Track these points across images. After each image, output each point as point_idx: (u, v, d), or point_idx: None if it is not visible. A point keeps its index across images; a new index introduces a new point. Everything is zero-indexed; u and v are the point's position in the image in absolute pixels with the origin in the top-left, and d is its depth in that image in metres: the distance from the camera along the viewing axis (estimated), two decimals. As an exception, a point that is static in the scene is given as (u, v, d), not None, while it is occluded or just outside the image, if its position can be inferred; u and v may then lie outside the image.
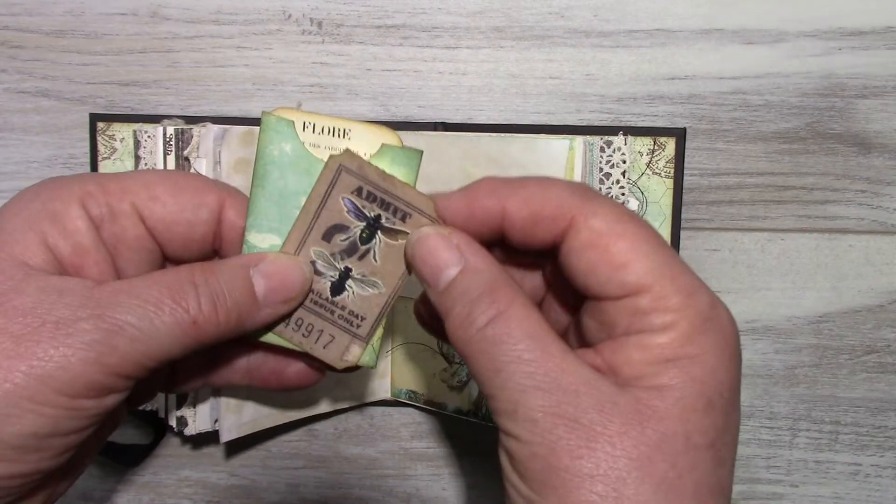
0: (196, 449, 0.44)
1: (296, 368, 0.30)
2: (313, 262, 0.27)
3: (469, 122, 0.41)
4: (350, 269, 0.27)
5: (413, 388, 0.42)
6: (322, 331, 0.27)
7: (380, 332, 0.28)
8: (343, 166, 0.26)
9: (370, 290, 0.27)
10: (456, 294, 0.24)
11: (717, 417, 0.22)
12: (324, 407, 0.41)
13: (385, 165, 0.27)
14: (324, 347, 0.28)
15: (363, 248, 0.27)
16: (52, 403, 0.22)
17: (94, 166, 0.40)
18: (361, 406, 0.43)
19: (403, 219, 0.26)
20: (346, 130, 0.27)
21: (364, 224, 0.27)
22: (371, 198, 0.26)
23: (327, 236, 0.27)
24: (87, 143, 0.41)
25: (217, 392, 0.38)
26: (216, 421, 0.39)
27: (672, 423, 0.21)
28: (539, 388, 0.21)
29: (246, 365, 0.30)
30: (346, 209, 0.27)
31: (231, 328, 0.25)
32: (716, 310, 0.22)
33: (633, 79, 0.41)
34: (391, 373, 0.42)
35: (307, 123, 0.26)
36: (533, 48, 0.41)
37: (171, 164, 0.37)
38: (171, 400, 0.40)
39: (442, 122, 0.40)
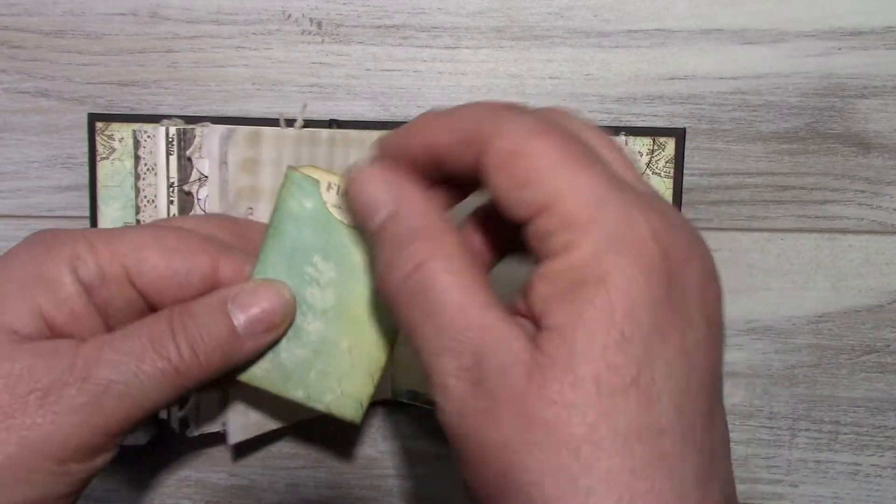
0: (196, 449, 0.44)
1: None
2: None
3: (469, 122, 0.41)
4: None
5: (414, 388, 0.42)
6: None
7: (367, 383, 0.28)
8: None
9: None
10: (384, 238, 0.22)
11: (636, 348, 0.18)
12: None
13: None
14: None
15: None
16: (43, 471, 0.22)
17: (92, 166, 0.40)
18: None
19: None
20: None
21: None
22: None
23: None
24: (86, 143, 0.41)
25: (224, 396, 0.38)
26: (223, 423, 0.39)
27: (577, 369, 0.18)
28: (450, 350, 0.19)
29: None
30: None
31: (215, 368, 0.24)
32: (630, 220, 0.19)
33: (633, 79, 0.41)
34: (391, 373, 0.42)
35: (332, 184, 0.26)
36: (533, 48, 0.41)
37: (174, 165, 0.37)
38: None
39: (442, 122, 0.40)
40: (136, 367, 0.23)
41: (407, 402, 0.42)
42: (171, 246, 0.26)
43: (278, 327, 0.26)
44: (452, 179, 0.23)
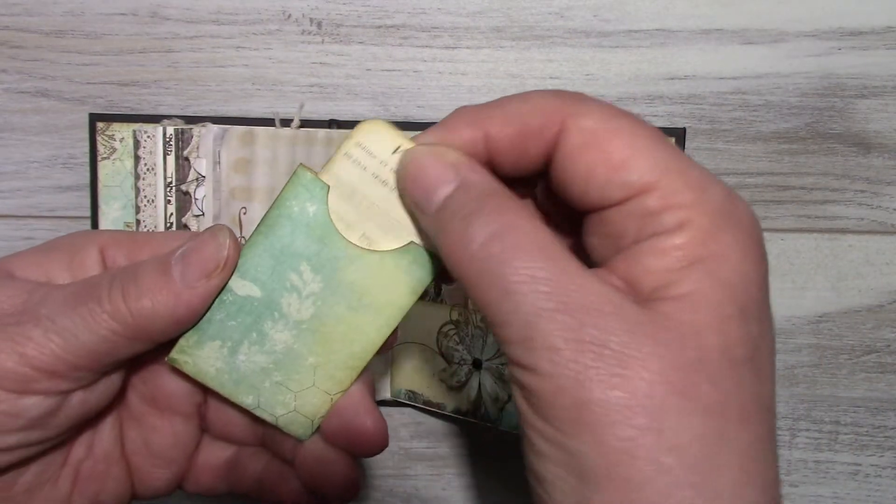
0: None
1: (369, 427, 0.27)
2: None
3: (469, 122, 0.41)
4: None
5: (412, 388, 0.42)
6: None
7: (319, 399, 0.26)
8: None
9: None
10: (450, 211, 0.21)
11: (752, 325, 0.19)
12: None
13: (406, 261, 0.25)
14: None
15: None
16: None
17: (93, 166, 0.40)
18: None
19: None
20: None
21: None
22: None
23: None
24: (86, 143, 0.41)
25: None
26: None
27: (709, 336, 0.18)
28: (559, 311, 0.18)
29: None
30: None
31: (147, 314, 0.23)
32: (733, 203, 0.20)
33: (633, 79, 0.41)
34: (391, 373, 0.42)
35: (401, 147, 0.24)
36: (533, 48, 0.41)
37: (171, 165, 0.37)
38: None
39: (442, 122, 0.40)
40: (69, 306, 0.23)
41: (406, 403, 0.42)
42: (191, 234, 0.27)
43: (212, 274, 0.24)
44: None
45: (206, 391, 0.27)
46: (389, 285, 0.25)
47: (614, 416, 0.18)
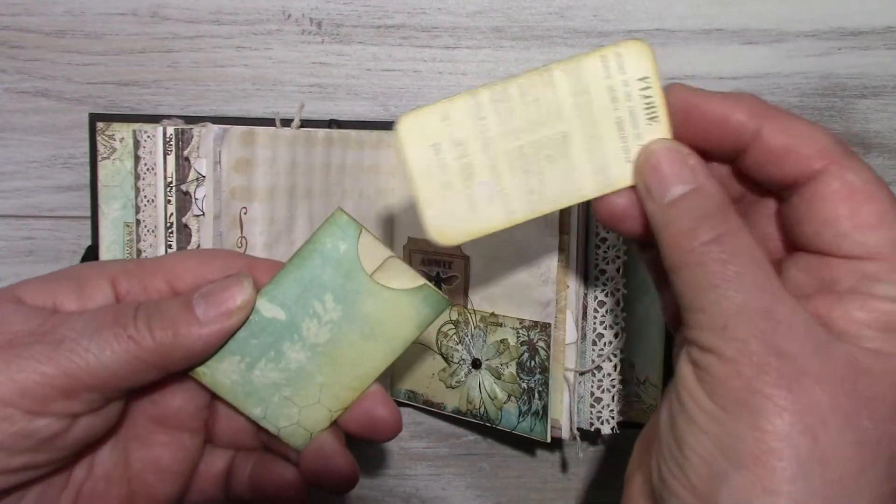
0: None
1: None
2: None
3: (469, 122, 0.41)
4: None
5: (412, 389, 0.42)
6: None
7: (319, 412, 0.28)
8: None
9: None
10: (683, 209, 0.24)
11: None
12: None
13: (417, 300, 0.28)
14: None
15: None
16: None
17: (93, 166, 0.40)
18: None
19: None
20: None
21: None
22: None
23: None
24: (86, 143, 0.41)
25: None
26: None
27: (884, 387, 0.20)
28: (758, 314, 0.21)
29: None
30: None
31: (168, 343, 0.25)
32: None
33: (633, 79, 0.41)
34: (390, 373, 0.42)
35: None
36: (533, 48, 0.41)
37: (171, 164, 0.37)
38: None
39: (441, 122, 0.40)
40: (93, 330, 0.24)
41: (406, 403, 0.42)
42: (211, 255, 0.28)
43: (233, 315, 0.26)
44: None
45: (214, 400, 0.29)
46: (400, 319, 0.28)
47: (778, 411, 0.20)
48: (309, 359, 0.28)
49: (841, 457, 0.20)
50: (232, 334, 0.26)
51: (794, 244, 0.24)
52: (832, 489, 0.19)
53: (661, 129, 0.25)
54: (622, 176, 0.25)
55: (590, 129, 0.25)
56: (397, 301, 0.28)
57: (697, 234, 0.23)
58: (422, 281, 0.28)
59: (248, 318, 0.27)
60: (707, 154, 0.25)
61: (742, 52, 0.40)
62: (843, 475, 0.20)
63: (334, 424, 0.29)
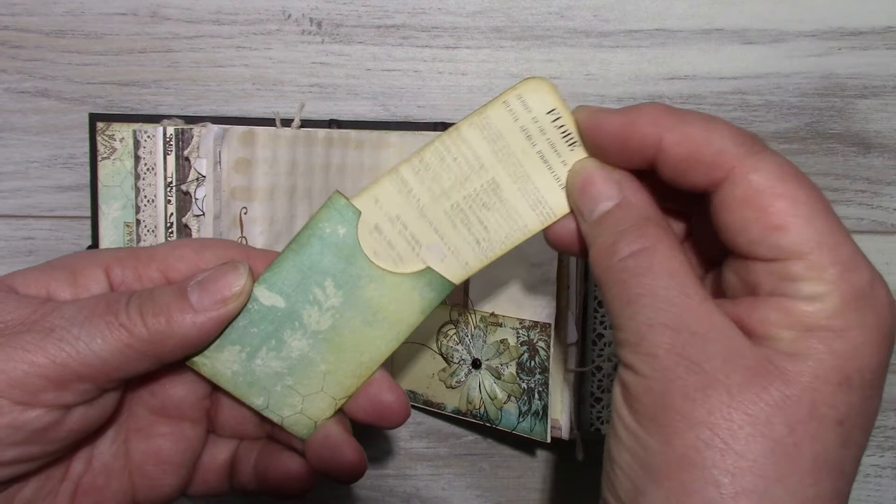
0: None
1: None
2: None
3: (469, 122, 0.41)
4: None
5: (412, 389, 0.42)
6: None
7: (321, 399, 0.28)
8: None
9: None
10: (604, 225, 0.24)
11: (853, 396, 0.20)
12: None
13: (421, 284, 0.27)
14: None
15: None
16: None
17: (93, 166, 0.40)
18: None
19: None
20: None
21: None
22: None
23: None
24: (86, 143, 0.41)
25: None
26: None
27: (799, 389, 0.20)
28: (668, 326, 0.21)
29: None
30: None
31: (161, 331, 0.24)
32: (874, 289, 0.21)
33: (633, 79, 0.41)
34: (390, 373, 0.42)
35: (556, 110, 0.26)
36: (533, 48, 0.41)
37: (171, 164, 0.37)
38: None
39: (442, 122, 0.40)
40: (84, 318, 0.24)
41: (406, 402, 0.42)
42: (205, 244, 0.28)
43: (229, 302, 0.25)
44: (654, 182, 0.25)
45: (216, 391, 0.28)
46: (403, 304, 0.27)
47: (687, 425, 0.20)
48: (311, 346, 0.27)
49: (753, 466, 0.19)
50: (229, 323, 0.26)
51: (724, 248, 0.24)
52: (746, 500, 0.19)
53: (583, 152, 0.26)
54: (561, 203, 0.26)
55: (516, 170, 0.26)
56: (400, 285, 0.27)
57: (616, 250, 0.23)
58: (425, 264, 0.27)
59: (244, 306, 0.26)
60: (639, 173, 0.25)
61: (742, 52, 0.40)
62: (757, 484, 0.19)
63: (339, 412, 0.28)
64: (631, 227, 0.23)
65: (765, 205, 0.21)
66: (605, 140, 0.24)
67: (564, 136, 0.26)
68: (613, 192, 0.24)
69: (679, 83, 0.41)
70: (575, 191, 0.25)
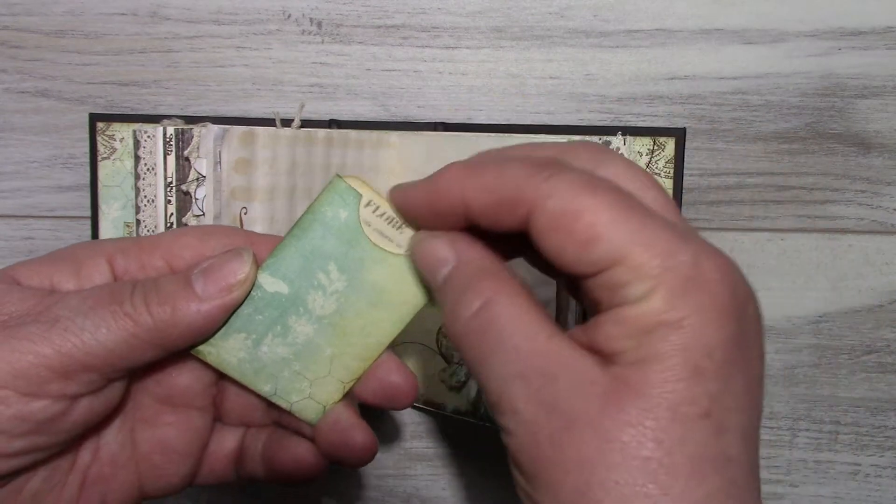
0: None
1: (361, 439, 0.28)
2: None
3: (469, 122, 0.41)
4: None
5: (413, 388, 0.42)
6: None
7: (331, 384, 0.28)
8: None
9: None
10: (447, 289, 0.23)
11: (710, 383, 0.19)
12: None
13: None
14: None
15: None
16: None
17: (93, 166, 0.40)
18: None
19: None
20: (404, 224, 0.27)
21: None
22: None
23: None
24: (86, 143, 0.41)
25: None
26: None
27: (653, 398, 0.19)
28: (519, 376, 0.20)
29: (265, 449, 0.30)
30: None
31: (167, 320, 0.24)
32: (699, 267, 0.20)
33: (633, 79, 0.41)
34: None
35: (372, 202, 0.26)
36: (533, 48, 0.41)
37: (171, 165, 0.37)
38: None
39: (441, 122, 0.40)
40: (89, 308, 0.24)
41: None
42: (208, 231, 0.28)
43: (234, 289, 0.25)
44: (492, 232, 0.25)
45: (222, 378, 0.28)
46: (408, 285, 0.27)
47: (563, 472, 0.19)
48: (316, 331, 0.27)
49: (637, 491, 0.19)
50: (234, 310, 0.26)
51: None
52: None
53: (412, 230, 0.26)
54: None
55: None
56: (404, 266, 0.27)
57: (459, 313, 0.22)
58: None
59: (249, 293, 0.26)
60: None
61: (742, 52, 0.40)
62: None
63: (348, 396, 0.28)
64: (467, 287, 0.22)
65: (568, 225, 0.21)
66: (418, 212, 0.25)
67: (389, 223, 0.26)
68: (449, 255, 0.24)
69: (679, 83, 0.41)
70: (418, 265, 0.25)
